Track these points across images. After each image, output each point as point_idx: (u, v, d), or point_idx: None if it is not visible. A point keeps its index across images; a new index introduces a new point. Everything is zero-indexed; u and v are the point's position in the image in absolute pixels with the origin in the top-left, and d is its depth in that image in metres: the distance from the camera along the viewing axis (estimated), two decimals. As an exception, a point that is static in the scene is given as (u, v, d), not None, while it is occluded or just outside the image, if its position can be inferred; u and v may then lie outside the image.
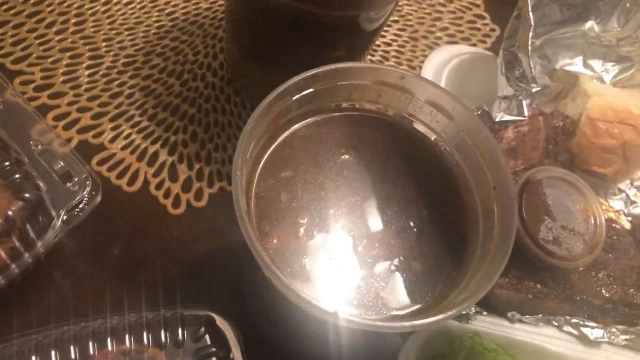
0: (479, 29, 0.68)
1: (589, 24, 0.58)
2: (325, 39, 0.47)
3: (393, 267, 0.36)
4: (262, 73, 0.53)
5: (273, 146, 0.38)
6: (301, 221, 0.36)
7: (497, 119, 0.52)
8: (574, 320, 0.48)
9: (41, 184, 0.42)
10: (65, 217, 0.43)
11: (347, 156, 0.39)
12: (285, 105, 0.36)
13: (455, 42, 0.65)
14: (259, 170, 0.37)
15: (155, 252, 0.48)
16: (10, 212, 0.40)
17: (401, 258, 0.36)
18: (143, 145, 0.52)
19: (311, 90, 0.37)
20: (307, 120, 0.39)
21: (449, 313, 0.32)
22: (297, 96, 0.37)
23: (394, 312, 0.35)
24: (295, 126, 0.39)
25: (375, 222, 0.37)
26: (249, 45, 0.52)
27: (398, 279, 0.36)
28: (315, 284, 0.35)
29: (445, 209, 0.38)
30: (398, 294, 0.35)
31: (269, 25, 0.47)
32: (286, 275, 0.34)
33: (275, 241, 0.36)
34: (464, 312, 0.41)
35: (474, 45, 0.66)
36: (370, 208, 0.37)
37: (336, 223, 0.37)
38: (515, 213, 0.35)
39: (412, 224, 0.37)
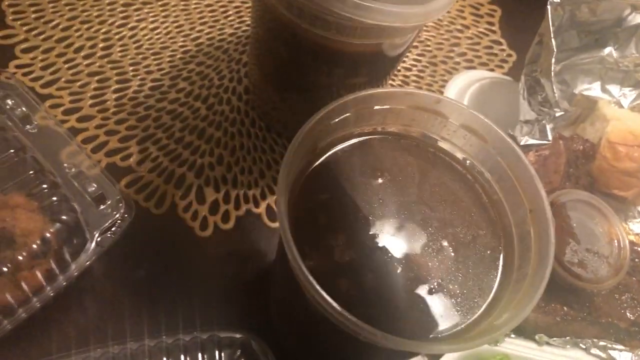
0: (496, 55, 0.69)
1: (607, 50, 0.59)
2: (347, 66, 0.48)
3: (431, 290, 0.36)
4: (282, 98, 0.54)
5: (311, 169, 0.38)
6: (339, 243, 0.37)
7: (522, 143, 0.52)
8: (601, 343, 0.49)
9: (76, 206, 0.43)
10: (99, 239, 0.43)
11: (382, 179, 0.39)
12: (324, 129, 0.37)
13: (474, 67, 0.66)
14: (297, 193, 0.37)
15: (184, 274, 0.48)
16: (47, 234, 0.40)
17: (439, 280, 0.36)
18: (170, 168, 0.53)
19: (348, 114, 0.38)
20: (344, 144, 0.39)
21: (493, 335, 0.32)
22: (336, 120, 0.37)
23: (433, 335, 0.35)
24: (332, 150, 0.39)
25: (412, 245, 0.37)
26: (270, 70, 0.52)
27: (436, 301, 0.36)
28: (354, 306, 0.35)
29: (480, 231, 0.39)
30: (437, 316, 0.35)
31: (292, 52, 0.47)
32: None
33: (313, 263, 0.36)
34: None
35: (492, 70, 0.67)
36: (406, 231, 0.38)
37: (373, 245, 0.37)
38: (552, 236, 0.35)
39: (448, 246, 0.38)
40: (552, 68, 0.53)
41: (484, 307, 0.36)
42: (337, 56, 0.46)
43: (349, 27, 0.41)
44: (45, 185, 0.42)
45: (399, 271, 0.36)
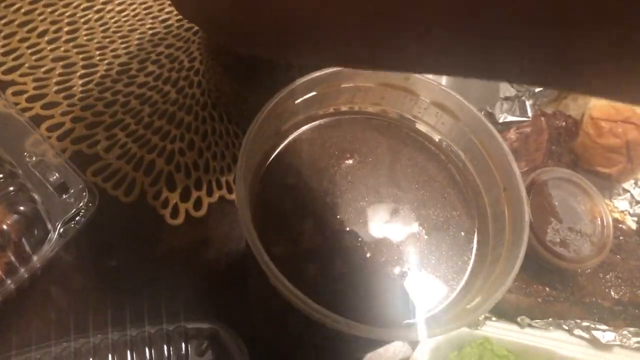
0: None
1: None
2: None
3: (403, 274, 0.35)
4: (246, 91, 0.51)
5: (276, 152, 0.37)
6: (307, 229, 0.35)
7: (501, 120, 0.51)
8: (584, 324, 0.48)
9: (36, 197, 0.41)
10: (61, 230, 0.41)
11: (351, 160, 0.38)
12: (288, 110, 0.35)
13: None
14: (261, 178, 0.36)
15: (154, 263, 0.47)
16: (4, 226, 0.38)
17: (411, 264, 0.35)
18: (139, 154, 0.51)
19: (313, 93, 0.36)
20: (310, 125, 0.38)
21: (465, 319, 0.31)
22: (300, 100, 0.36)
23: (406, 320, 0.34)
24: (298, 131, 0.38)
25: (383, 228, 0.36)
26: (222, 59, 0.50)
27: (408, 286, 0.35)
28: (323, 293, 0.34)
29: (453, 212, 0.37)
30: (409, 301, 0.34)
31: None
32: (292, 283, 0.33)
33: (280, 249, 0.35)
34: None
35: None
36: (377, 213, 0.36)
37: (342, 230, 0.36)
38: (527, 214, 0.34)
39: (420, 228, 0.36)
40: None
41: (458, 290, 0.35)
42: None
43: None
44: (1, 175, 0.40)
45: (369, 255, 0.35)
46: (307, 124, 0.38)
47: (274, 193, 0.36)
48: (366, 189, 0.37)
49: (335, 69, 0.35)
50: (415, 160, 0.39)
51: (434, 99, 0.37)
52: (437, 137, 0.39)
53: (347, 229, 0.36)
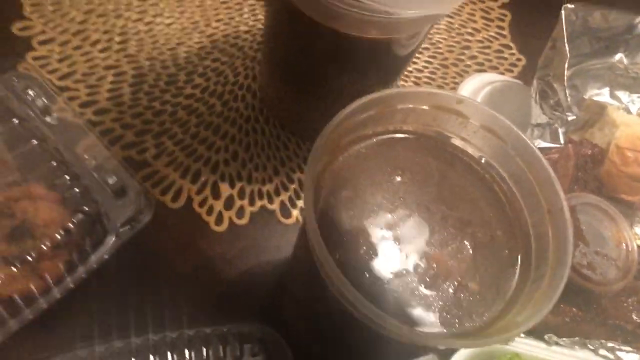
0: (505, 58, 0.70)
1: (618, 56, 0.60)
2: (357, 62, 0.48)
3: (451, 287, 0.37)
4: (291, 97, 0.54)
5: (334, 166, 0.39)
6: (361, 240, 0.37)
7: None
8: (609, 345, 0.49)
9: (98, 198, 0.43)
10: (119, 232, 0.43)
11: (402, 178, 0.40)
12: (349, 127, 0.37)
13: (484, 71, 0.67)
14: (322, 190, 0.38)
15: (199, 269, 0.48)
16: (70, 225, 0.40)
17: (458, 278, 0.37)
18: (186, 163, 0.53)
19: (371, 112, 0.38)
20: (366, 142, 0.40)
21: (510, 333, 0.32)
22: (358, 118, 0.38)
23: (454, 330, 0.35)
24: (355, 147, 0.40)
25: (432, 243, 0.38)
26: (280, 66, 0.53)
27: (456, 299, 0.36)
28: (376, 302, 0.36)
29: (498, 231, 0.39)
30: (456, 313, 0.36)
31: (301, 46, 0.48)
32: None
33: (337, 258, 0.36)
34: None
35: (502, 73, 0.68)
36: (426, 229, 0.38)
37: (395, 243, 0.37)
38: (570, 237, 0.36)
39: (467, 245, 0.38)
40: (565, 73, 0.54)
41: (501, 306, 0.37)
42: (346, 51, 0.46)
43: (361, 20, 0.41)
44: (67, 177, 0.42)
45: (419, 269, 0.37)
46: (362, 141, 0.40)
47: (331, 204, 0.38)
48: (416, 206, 0.39)
49: (393, 90, 0.38)
50: (462, 180, 0.41)
51: (483, 122, 0.40)
52: (483, 159, 0.41)
53: (399, 242, 0.38)
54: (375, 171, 0.40)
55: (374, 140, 0.40)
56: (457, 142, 0.42)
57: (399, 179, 0.40)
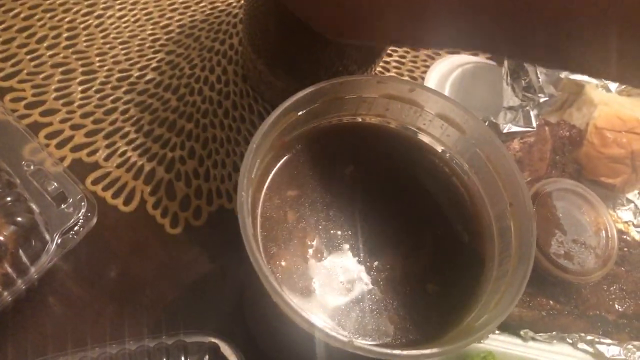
0: (480, 38, 0.67)
1: (594, 31, 0.57)
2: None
3: (407, 289, 0.34)
4: (272, 73, 0.52)
5: (278, 164, 0.36)
6: (309, 242, 0.35)
7: (505, 131, 0.50)
8: (589, 337, 0.47)
9: (34, 207, 0.40)
10: (59, 241, 0.41)
11: (355, 174, 0.37)
12: (291, 121, 0.35)
13: (457, 52, 0.64)
14: (264, 190, 0.35)
15: (153, 274, 0.46)
16: (1, 237, 0.38)
17: (415, 279, 0.35)
18: (139, 163, 0.50)
19: (317, 104, 0.36)
20: (313, 137, 0.37)
21: (472, 338, 0.30)
22: (303, 111, 0.35)
23: (410, 337, 0.33)
24: (300, 143, 0.37)
25: (387, 242, 0.35)
26: (262, 45, 0.51)
27: (413, 302, 0.34)
28: (325, 309, 0.33)
29: (458, 226, 0.37)
30: (414, 318, 0.34)
31: (281, 24, 0.46)
32: (293, 299, 0.32)
33: (282, 263, 0.34)
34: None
35: (475, 54, 0.65)
36: (380, 227, 0.36)
37: (346, 244, 0.35)
38: (533, 230, 0.33)
39: (425, 243, 0.36)
40: (536, 52, 0.51)
41: (463, 306, 0.34)
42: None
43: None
44: (-2, 185, 0.40)
45: (373, 271, 0.34)
46: (310, 135, 0.37)
47: (276, 205, 0.35)
48: (370, 203, 0.36)
49: (338, 79, 0.35)
50: (420, 174, 0.38)
51: (439, 110, 0.37)
52: (441, 150, 0.38)
53: (351, 243, 0.35)
54: (324, 167, 0.37)
55: (323, 134, 0.38)
56: (412, 133, 0.39)
57: (350, 175, 0.37)
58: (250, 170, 0.32)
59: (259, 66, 0.52)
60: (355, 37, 0.37)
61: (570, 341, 0.47)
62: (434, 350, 0.30)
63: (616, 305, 0.50)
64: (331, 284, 0.34)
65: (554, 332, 0.47)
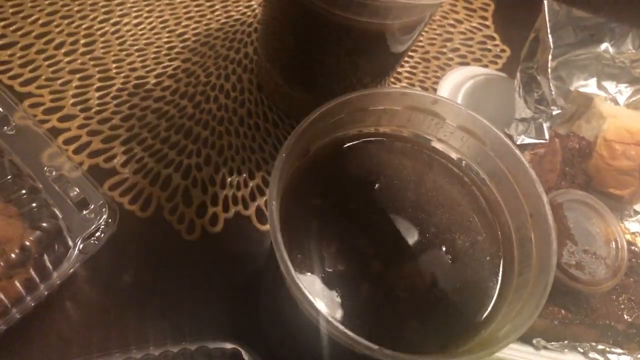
0: (489, 50, 0.68)
1: (604, 46, 0.58)
2: (349, 49, 0.46)
3: (429, 299, 0.35)
4: (287, 83, 0.53)
5: (303, 173, 0.37)
6: (333, 251, 0.35)
7: (518, 142, 0.51)
8: (600, 347, 0.48)
9: (57, 212, 0.41)
10: (81, 246, 0.41)
11: (377, 184, 0.38)
12: (317, 132, 0.35)
13: (467, 64, 0.65)
14: (289, 198, 0.36)
15: (171, 280, 0.46)
16: (27, 242, 0.38)
17: (437, 289, 0.35)
18: (156, 169, 0.51)
19: (342, 116, 0.36)
20: (338, 147, 0.38)
21: (495, 347, 0.30)
22: (329, 122, 0.36)
23: (432, 346, 0.34)
24: (326, 152, 0.37)
25: (408, 252, 0.36)
26: (277, 57, 0.51)
27: (434, 311, 0.35)
28: (349, 316, 0.34)
29: (479, 237, 0.37)
30: (435, 327, 0.34)
31: (299, 29, 0.47)
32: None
33: (306, 271, 0.35)
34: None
35: (486, 66, 0.66)
36: (402, 237, 0.36)
37: (369, 253, 0.35)
38: (554, 242, 0.34)
39: (446, 252, 0.36)
40: (549, 65, 0.52)
41: (484, 316, 0.35)
42: (340, 35, 0.44)
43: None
44: (24, 191, 0.40)
45: (394, 280, 0.35)
46: (334, 145, 0.38)
47: (300, 214, 0.36)
48: (391, 213, 0.37)
49: (364, 91, 0.35)
50: (440, 184, 0.39)
51: (460, 122, 0.38)
52: (462, 162, 0.39)
53: (373, 252, 0.36)
54: (348, 177, 0.38)
55: (347, 144, 0.38)
56: (434, 144, 0.40)
57: (373, 185, 0.38)
58: (280, 178, 0.32)
59: (274, 77, 0.53)
60: None
61: (582, 350, 0.48)
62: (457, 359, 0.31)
63: (625, 316, 0.51)
64: (354, 292, 0.34)
65: (565, 341, 0.47)
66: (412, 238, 0.36)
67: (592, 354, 0.47)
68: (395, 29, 0.44)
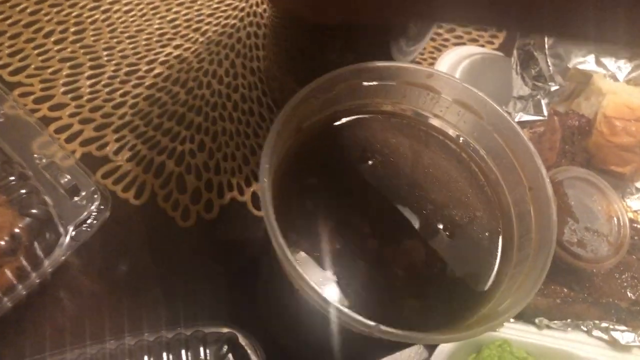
0: (485, 30, 0.67)
1: (602, 21, 0.57)
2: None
3: (427, 276, 0.34)
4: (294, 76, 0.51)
5: (296, 152, 0.36)
6: (328, 230, 0.35)
7: (516, 120, 0.50)
8: (603, 325, 0.47)
9: (48, 199, 0.40)
10: (73, 234, 0.40)
11: (372, 161, 0.37)
12: (309, 109, 0.34)
13: (463, 44, 0.64)
14: (282, 177, 0.35)
15: (166, 266, 0.46)
16: (17, 230, 0.37)
17: (436, 266, 0.34)
18: (149, 157, 0.50)
19: (334, 91, 0.35)
20: (330, 124, 0.37)
21: (495, 322, 0.30)
22: (321, 98, 0.35)
23: (432, 322, 0.33)
24: (318, 130, 0.37)
25: (405, 230, 0.35)
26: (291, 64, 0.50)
27: (433, 288, 0.34)
28: (346, 296, 0.33)
29: (477, 212, 0.37)
30: (435, 303, 0.33)
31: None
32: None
33: (301, 251, 0.34)
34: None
35: (482, 46, 0.65)
36: (399, 214, 0.36)
37: (365, 231, 0.35)
38: (554, 214, 0.33)
39: (444, 229, 0.36)
40: (546, 40, 0.51)
41: (484, 292, 0.34)
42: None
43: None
44: (12, 177, 0.39)
45: (392, 258, 0.34)
46: (327, 122, 0.37)
47: (294, 193, 0.35)
48: (387, 190, 0.36)
49: (357, 65, 0.35)
50: (437, 160, 0.38)
51: (456, 96, 0.37)
52: (459, 136, 0.38)
53: (370, 230, 0.35)
54: (342, 155, 0.37)
55: (341, 121, 0.38)
56: (430, 119, 0.39)
57: (368, 162, 0.37)
58: (271, 157, 0.31)
59: (287, 84, 0.51)
60: (358, 15, 0.34)
61: (585, 329, 0.47)
62: (456, 335, 0.30)
63: (628, 293, 0.50)
64: (350, 271, 0.34)
65: (568, 320, 0.47)
66: (409, 215, 0.36)
67: (595, 332, 0.47)
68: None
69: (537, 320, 0.47)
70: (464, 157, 0.38)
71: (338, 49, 0.44)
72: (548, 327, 0.47)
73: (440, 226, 0.36)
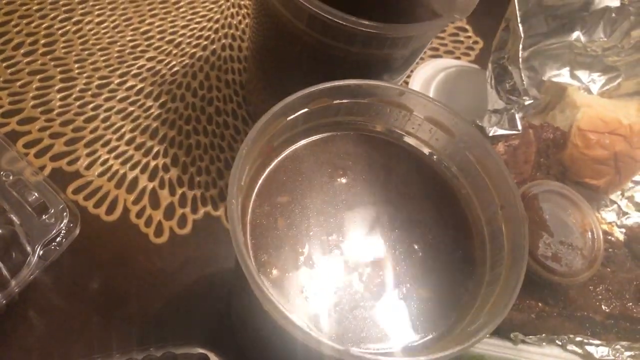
0: (462, 42, 0.67)
1: (575, 34, 0.57)
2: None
3: (400, 296, 0.34)
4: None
5: (267, 170, 0.35)
6: (300, 249, 0.34)
7: (491, 134, 0.50)
8: (578, 339, 0.47)
9: (14, 218, 0.39)
10: (41, 253, 0.40)
11: (344, 179, 0.37)
12: (280, 127, 0.34)
13: (439, 56, 0.64)
14: (253, 197, 0.35)
15: (138, 284, 0.45)
16: (-19, 250, 0.37)
17: (408, 285, 0.34)
18: (121, 171, 0.49)
19: (306, 109, 0.35)
20: (302, 142, 0.37)
21: (467, 344, 0.30)
22: (292, 116, 0.34)
23: (405, 344, 0.33)
24: (290, 148, 0.36)
25: (378, 248, 0.35)
26: (265, 65, 0.49)
27: (406, 308, 0.34)
28: (317, 317, 0.33)
29: (450, 230, 0.36)
30: (407, 325, 0.33)
31: (290, 53, 0.45)
32: (286, 308, 0.32)
33: (273, 271, 0.33)
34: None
35: (458, 58, 0.65)
36: (372, 233, 0.35)
37: (337, 250, 0.34)
38: (526, 233, 0.33)
39: (417, 247, 0.35)
40: (520, 54, 0.51)
41: (457, 311, 0.34)
42: (335, 63, 0.42)
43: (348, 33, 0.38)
44: (-24, 196, 0.38)
45: (364, 277, 0.34)
46: (299, 140, 0.37)
47: (266, 212, 0.35)
48: (360, 208, 0.36)
49: (328, 84, 0.34)
50: (410, 178, 0.38)
51: (428, 114, 0.37)
52: (431, 154, 0.38)
53: (342, 249, 0.35)
54: (314, 173, 0.36)
55: (312, 138, 0.37)
56: (403, 137, 0.39)
57: (340, 180, 0.37)
58: (240, 177, 0.31)
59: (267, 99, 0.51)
60: None
61: (560, 343, 0.47)
62: (430, 356, 0.30)
63: (603, 306, 0.50)
64: (323, 291, 0.33)
65: (543, 335, 0.47)
66: (380, 233, 0.35)
67: (570, 346, 0.47)
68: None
69: (512, 335, 0.46)
70: (437, 174, 0.38)
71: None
72: (523, 342, 0.47)
73: (414, 244, 0.36)
